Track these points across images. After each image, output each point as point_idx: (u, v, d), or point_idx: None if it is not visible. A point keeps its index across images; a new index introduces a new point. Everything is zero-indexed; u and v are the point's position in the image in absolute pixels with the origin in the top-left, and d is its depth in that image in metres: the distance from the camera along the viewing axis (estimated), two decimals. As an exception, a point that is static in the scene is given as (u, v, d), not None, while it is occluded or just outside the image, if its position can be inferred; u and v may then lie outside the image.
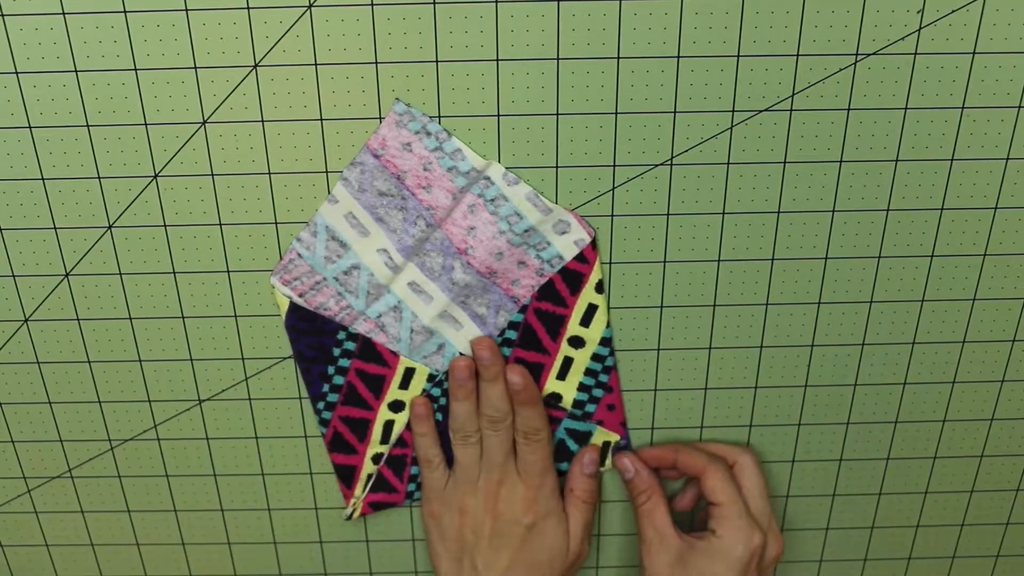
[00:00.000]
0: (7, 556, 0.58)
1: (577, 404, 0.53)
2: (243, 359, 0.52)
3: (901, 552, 0.59)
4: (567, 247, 0.48)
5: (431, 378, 0.51)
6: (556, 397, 0.52)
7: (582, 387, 0.52)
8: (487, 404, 0.50)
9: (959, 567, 0.60)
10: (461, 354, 0.51)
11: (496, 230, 0.48)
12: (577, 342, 0.51)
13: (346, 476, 0.54)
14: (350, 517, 0.55)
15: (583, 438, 0.53)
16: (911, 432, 0.55)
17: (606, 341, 0.51)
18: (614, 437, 0.54)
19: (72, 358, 0.52)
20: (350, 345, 0.50)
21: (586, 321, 0.50)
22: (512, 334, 0.50)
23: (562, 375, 0.52)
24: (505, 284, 0.49)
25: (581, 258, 0.49)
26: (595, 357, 0.51)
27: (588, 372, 0.52)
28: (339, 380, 0.51)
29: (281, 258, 0.49)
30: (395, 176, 0.47)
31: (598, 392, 0.52)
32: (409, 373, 0.51)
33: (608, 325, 0.51)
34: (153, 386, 0.52)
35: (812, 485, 0.57)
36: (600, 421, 0.53)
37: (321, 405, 0.52)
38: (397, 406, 0.52)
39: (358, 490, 0.54)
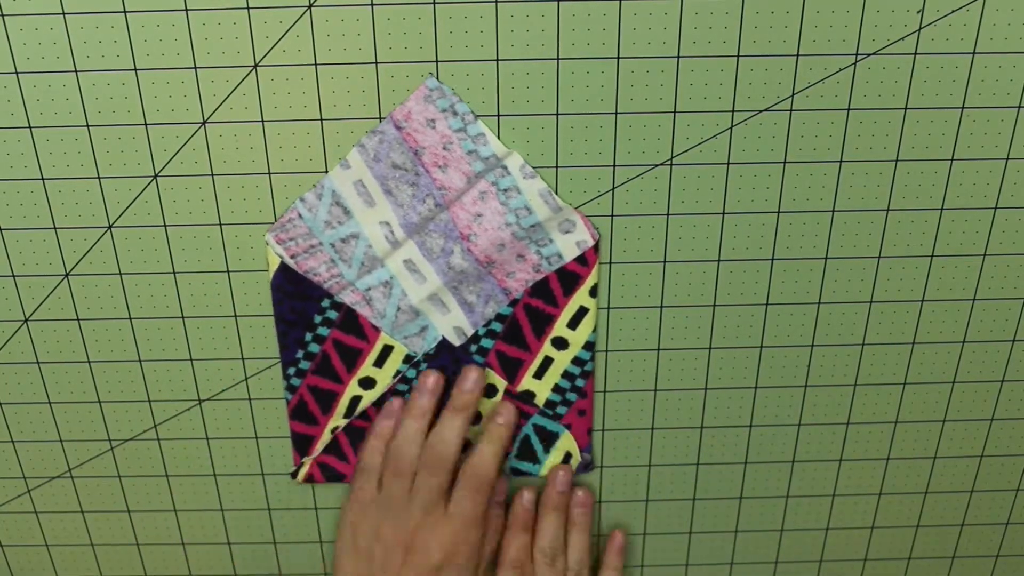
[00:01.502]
0: (7, 556, 0.58)
1: (549, 404, 0.53)
2: (243, 359, 0.52)
3: (901, 552, 0.59)
4: (568, 247, 0.48)
5: (408, 359, 0.51)
6: (530, 395, 0.52)
7: (557, 388, 0.52)
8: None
9: (959, 567, 0.60)
10: (444, 339, 0.50)
11: (503, 221, 0.47)
12: (561, 343, 0.51)
13: (302, 445, 0.53)
14: (295, 475, 0.54)
15: (550, 438, 0.53)
16: (911, 432, 0.55)
17: (589, 345, 0.51)
18: (575, 450, 0.54)
19: (72, 358, 0.52)
20: (332, 314, 0.50)
21: (574, 323, 0.50)
22: (497, 326, 0.50)
23: (539, 374, 0.52)
24: (500, 275, 0.49)
25: (581, 260, 0.49)
26: (575, 360, 0.51)
27: (566, 375, 0.52)
28: (314, 348, 0.51)
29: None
30: (413, 151, 0.46)
31: (572, 396, 0.52)
32: (386, 351, 0.51)
33: (594, 329, 0.51)
34: (153, 386, 0.52)
35: (812, 485, 0.57)
36: (568, 424, 0.53)
37: (292, 371, 0.51)
38: (367, 383, 0.51)
39: (312, 455, 0.54)
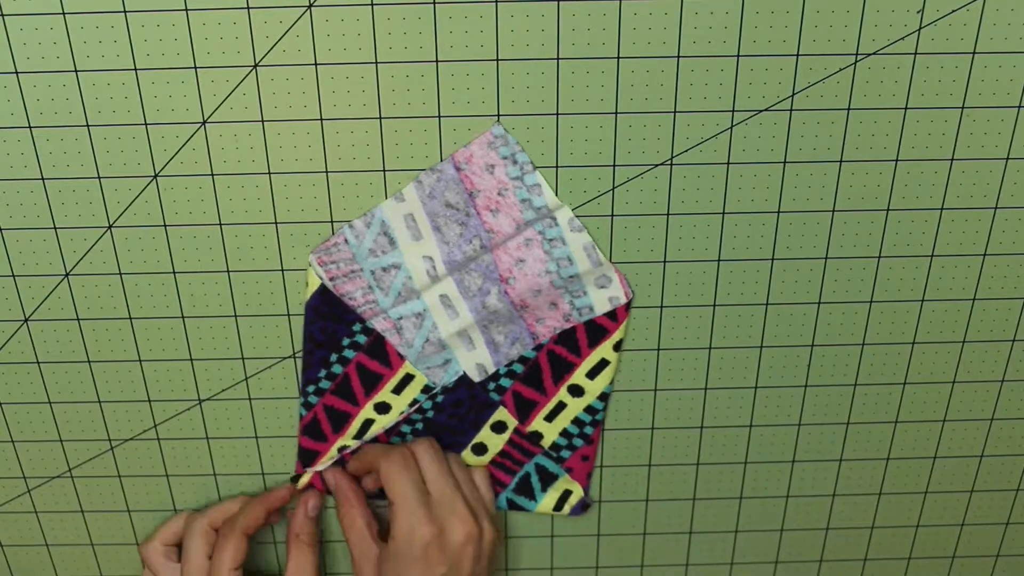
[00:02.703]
0: (7, 556, 0.58)
1: (554, 447, 0.53)
2: (243, 359, 0.52)
3: (901, 552, 0.59)
4: (601, 301, 0.49)
5: (427, 389, 0.51)
6: (537, 435, 0.53)
7: (565, 433, 0.53)
8: None
9: (959, 567, 0.60)
10: (465, 374, 0.51)
11: (543, 269, 0.48)
12: (577, 391, 0.51)
13: (307, 459, 0.53)
14: (295, 480, 0.54)
15: (549, 478, 0.54)
16: (911, 432, 0.55)
17: (604, 396, 0.52)
18: (577, 489, 0.54)
19: (72, 358, 0.52)
20: (361, 338, 0.50)
21: (593, 374, 0.51)
22: (519, 367, 0.51)
23: (550, 417, 0.52)
24: (531, 320, 0.49)
25: (612, 315, 0.49)
26: (588, 409, 0.52)
27: (576, 421, 0.52)
28: (338, 369, 0.51)
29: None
30: (468, 192, 0.47)
31: (578, 442, 0.53)
32: (407, 379, 0.51)
33: (611, 382, 0.51)
34: (153, 386, 0.52)
35: (812, 485, 0.57)
36: (570, 469, 0.54)
37: (311, 389, 0.51)
38: (383, 407, 0.52)
39: (315, 467, 0.54)
